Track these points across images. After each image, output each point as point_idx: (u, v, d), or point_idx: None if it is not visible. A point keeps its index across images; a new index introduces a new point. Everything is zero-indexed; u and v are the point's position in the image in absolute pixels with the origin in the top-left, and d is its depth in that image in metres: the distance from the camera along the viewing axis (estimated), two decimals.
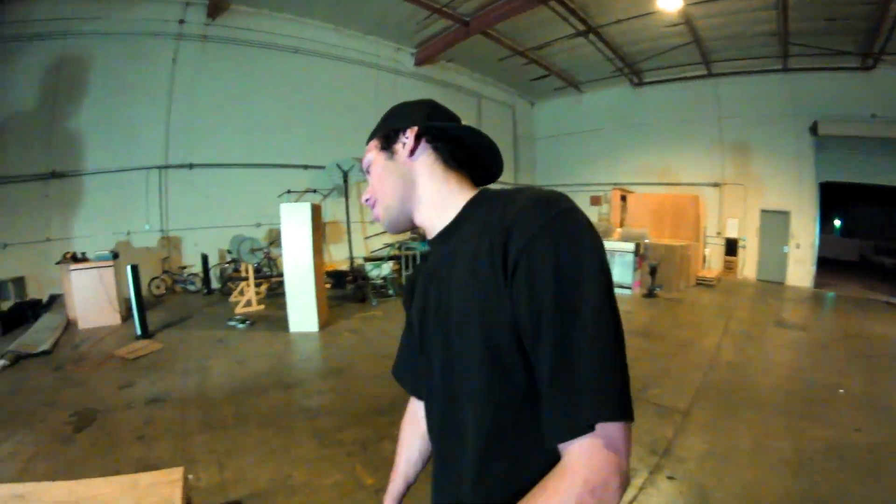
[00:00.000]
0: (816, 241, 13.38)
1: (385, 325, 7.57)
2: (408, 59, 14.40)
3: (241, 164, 11.32)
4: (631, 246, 10.19)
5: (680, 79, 15.00)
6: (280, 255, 8.52)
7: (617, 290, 9.01)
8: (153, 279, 9.96)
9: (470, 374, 0.84)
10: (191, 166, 10.79)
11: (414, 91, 14.34)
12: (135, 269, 7.26)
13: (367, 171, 1.07)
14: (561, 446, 0.71)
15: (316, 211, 7.41)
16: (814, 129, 12.85)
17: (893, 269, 21.86)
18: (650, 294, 9.73)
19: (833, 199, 15.03)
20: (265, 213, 10.96)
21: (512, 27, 12.22)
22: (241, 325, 7.46)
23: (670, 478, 3.30)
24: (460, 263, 0.87)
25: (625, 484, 0.69)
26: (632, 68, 14.79)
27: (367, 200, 1.07)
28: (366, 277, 9.46)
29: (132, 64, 10.10)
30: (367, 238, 12.41)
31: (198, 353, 6.12)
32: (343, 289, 9.87)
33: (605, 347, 0.71)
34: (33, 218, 9.39)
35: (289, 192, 11.30)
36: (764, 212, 13.95)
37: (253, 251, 9.21)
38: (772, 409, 4.44)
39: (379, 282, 9.71)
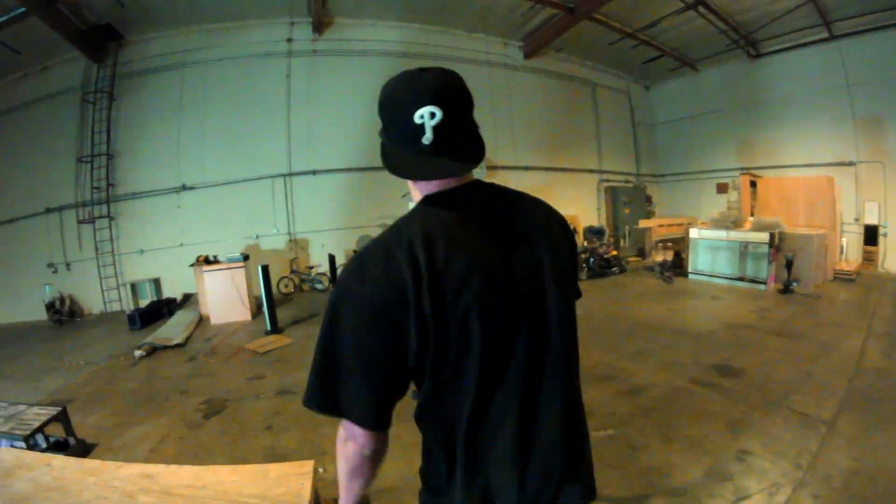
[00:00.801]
0: None
1: None
2: (517, 52, 14.22)
3: (362, 167, 11.56)
4: (765, 236, 9.44)
5: (799, 45, 13.57)
6: None
7: (750, 286, 8.29)
8: (282, 278, 10.68)
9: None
10: (314, 172, 11.50)
11: (527, 84, 14.39)
12: (265, 269, 7.72)
13: None
14: None
15: None
16: None
17: None
18: (786, 289, 8.97)
19: None
20: (389, 213, 10.93)
21: (618, 8, 11.72)
22: None
23: (815, 496, 3.02)
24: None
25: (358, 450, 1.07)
26: (747, 39, 13.67)
27: None
28: None
29: (248, 83, 11.19)
30: None
31: None
32: None
33: None
34: (167, 226, 10.77)
35: (403, 196, 11.33)
36: None
37: None
38: None
39: None
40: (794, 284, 9.01)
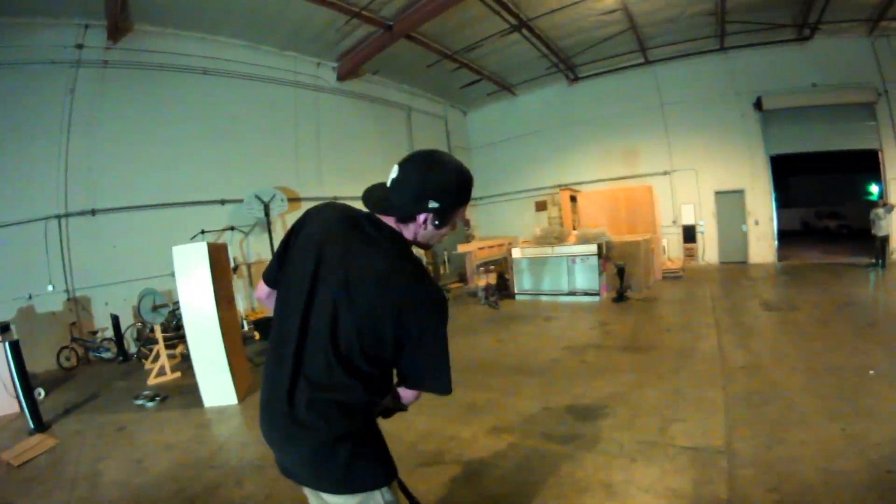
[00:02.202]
0: (774, 216, 13.34)
1: None
2: (330, 73, 13.30)
3: (151, 204, 9.93)
4: (593, 248, 9.40)
5: (617, 69, 14.73)
6: None
7: (583, 299, 8.25)
8: (62, 349, 8.42)
9: None
10: (93, 212, 9.32)
11: (338, 108, 13.57)
12: (15, 347, 5.74)
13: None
14: None
15: (218, 251, 5.96)
16: (758, 105, 13.01)
17: (838, 230, 22.85)
18: (621, 297, 8.94)
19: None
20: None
21: (439, 28, 11.45)
22: (149, 404, 5.94)
23: None
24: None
25: None
26: (567, 63, 14.31)
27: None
28: None
29: (24, 97, 8.79)
30: None
31: (93, 450, 4.65)
32: None
33: None
34: None
35: (203, 232, 9.92)
36: (718, 193, 13.79)
37: (156, 308, 7.55)
38: (819, 417, 3.63)
39: None
40: (629, 291, 9.07)
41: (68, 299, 9.00)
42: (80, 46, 9.19)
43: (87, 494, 3.75)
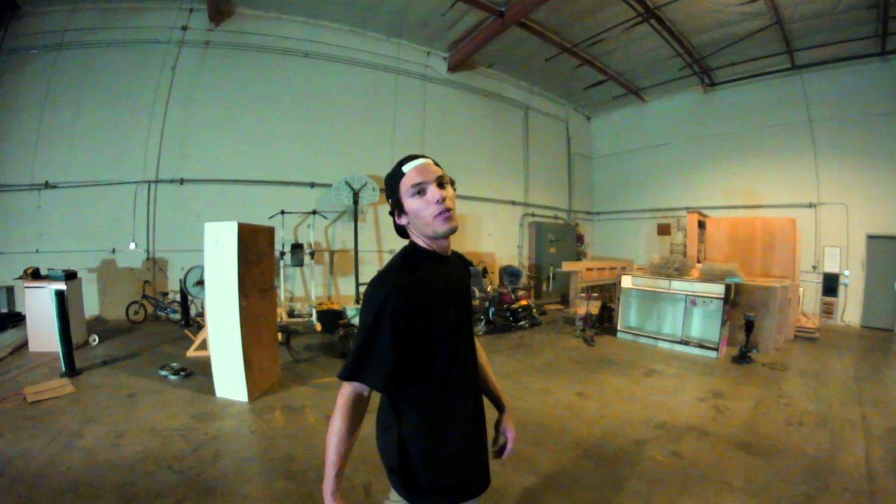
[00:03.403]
0: None
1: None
2: (440, 63, 12.72)
3: (238, 179, 10.26)
4: (719, 289, 7.58)
5: (759, 75, 12.57)
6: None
7: (696, 351, 7.68)
8: (131, 303, 9.27)
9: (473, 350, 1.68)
10: (181, 181, 9.90)
11: (447, 100, 12.90)
12: (60, 296, 6.13)
13: (443, 184, 1.43)
14: None
15: (254, 234, 5.48)
16: None
17: None
18: (743, 358, 7.14)
19: None
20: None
21: (556, 16, 10.26)
22: (172, 377, 5.86)
23: None
24: (461, 286, 1.62)
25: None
26: (701, 65, 12.43)
27: (441, 203, 1.40)
28: (349, 325, 7.20)
29: (131, 73, 9.75)
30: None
31: (95, 409, 4.83)
32: (333, 335, 7.67)
33: None
34: (27, 228, 9.30)
35: (283, 212, 10.11)
36: (871, 238, 11.18)
37: (200, 283, 7.48)
38: None
39: None
40: (754, 352, 7.27)
41: (147, 258, 9.83)
42: (184, 28, 9.88)
43: (57, 452, 3.84)
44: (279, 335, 6.36)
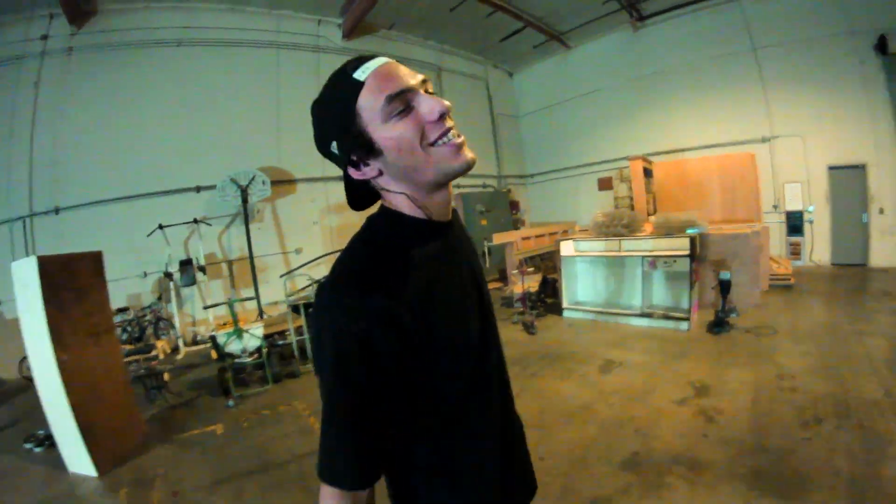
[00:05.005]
0: None
1: (220, 462, 3.98)
2: (334, 31, 11.14)
3: (117, 197, 8.88)
4: (682, 243, 6.02)
5: (692, 3, 11.28)
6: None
7: (663, 324, 6.13)
8: (23, 358, 7.77)
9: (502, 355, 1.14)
10: (56, 210, 8.56)
11: None
12: None
13: (448, 113, 0.87)
14: None
15: (67, 265, 4.35)
16: (881, 47, 9.23)
17: None
18: (720, 325, 5.69)
19: None
20: (152, 257, 8.67)
21: None
22: (37, 449, 4.78)
23: None
24: (474, 266, 1.09)
25: None
26: None
27: (446, 117, 0.87)
28: (226, 354, 5.62)
29: None
30: (282, 276, 8.42)
31: None
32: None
33: None
34: None
35: (161, 227, 8.56)
36: (833, 169, 10.09)
37: None
38: None
39: (247, 360, 5.73)
40: (733, 316, 5.81)
41: None
42: (44, 37, 8.55)
43: None
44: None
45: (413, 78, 0.87)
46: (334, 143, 0.89)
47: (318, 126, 0.92)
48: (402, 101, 0.83)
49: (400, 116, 0.83)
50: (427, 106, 0.85)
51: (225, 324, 7.32)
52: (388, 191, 0.91)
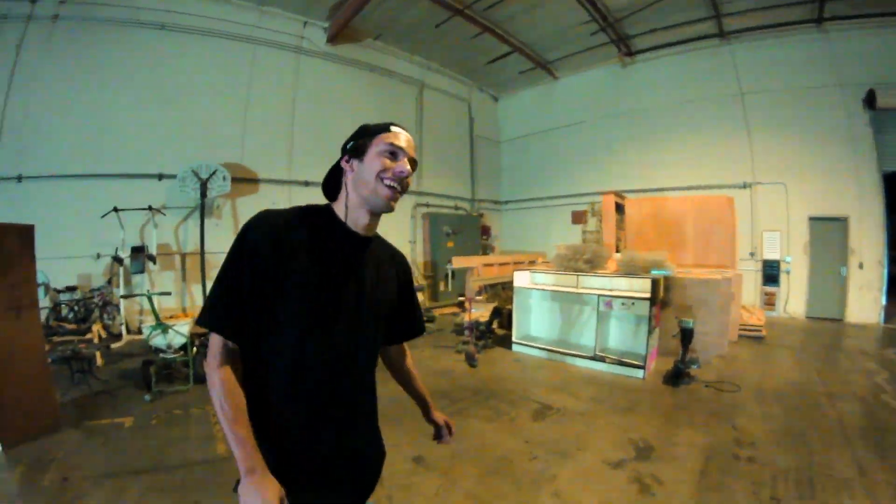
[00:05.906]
0: (886, 258, 9.42)
1: (116, 456, 3.77)
2: (319, 35, 10.85)
3: (81, 174, 8.56)
4: (644, 284, 5.57)
5: (683, 43, 11.11)
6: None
7: (616, 370, 5.73)
8: None
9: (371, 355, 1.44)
10: (19, 178, 8.21)
11: (325, 75, 11.15)
12: None
13: (413, 167, 1.35)
14: None
15: None
16: (870, 102, 9.11)
17: None
18: (678, 377, 5.23)
19: None
20: (107, 239, 8.36)
21: None
22: None
23: None
24: (382, 272, 1.43)
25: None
26: (617, 31, 10.80)
27: (401, 176, 1.29)
28: (153, 349, 5.46)
29: None
30: None
31: None
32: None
33: None
34: None
35: (116, 210, 8.31)
36: (814, 219, 9.91)
37: None
38: None
39: (171, 356, 5.38)
40: (693, 367, 5.36)
41: None
42: (34, 1, 8.30)
43: None
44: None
45: (410, 150, 1.32)
46: (351, 143, 1.33)
47: (356, 132, 1.36)
48: (393, 151, 1.28)
49: (385, 156, 1.27)
50: (401, 164, 1.29)
51: (172, 316, 6.88)
52: (343, 193, 1.33)
